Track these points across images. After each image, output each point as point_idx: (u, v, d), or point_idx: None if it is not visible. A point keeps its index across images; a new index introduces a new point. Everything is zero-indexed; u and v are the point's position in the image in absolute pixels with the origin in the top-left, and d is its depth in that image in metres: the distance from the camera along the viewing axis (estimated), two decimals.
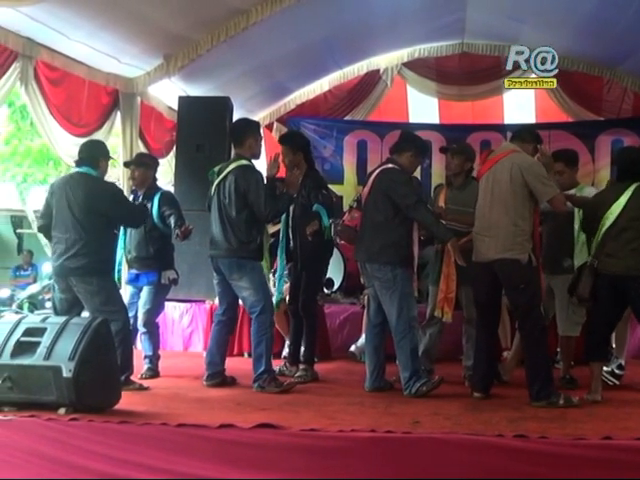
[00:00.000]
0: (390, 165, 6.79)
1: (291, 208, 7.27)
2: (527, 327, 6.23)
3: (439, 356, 7.45)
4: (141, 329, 7.52)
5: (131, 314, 7.23)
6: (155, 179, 7.74)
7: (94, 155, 6.92)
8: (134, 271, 7.53)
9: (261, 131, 7.42)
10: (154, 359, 7.47)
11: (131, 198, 7.61)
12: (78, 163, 6.92)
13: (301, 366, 7.30)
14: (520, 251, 6.11)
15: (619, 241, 6.17)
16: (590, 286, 6.27)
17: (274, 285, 8.58)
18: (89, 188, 6.64)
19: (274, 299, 7.56)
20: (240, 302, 7.14)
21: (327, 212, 7.25)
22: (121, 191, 7.32)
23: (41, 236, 18.24)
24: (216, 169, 7.04)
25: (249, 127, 7.15)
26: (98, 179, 6.79)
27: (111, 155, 7.25)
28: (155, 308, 7.56)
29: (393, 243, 6.56)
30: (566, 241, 6.86)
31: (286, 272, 7.87)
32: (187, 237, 7.22)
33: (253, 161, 7.00)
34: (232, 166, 6.88)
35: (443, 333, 7.35)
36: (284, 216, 7.34)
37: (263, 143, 7.43)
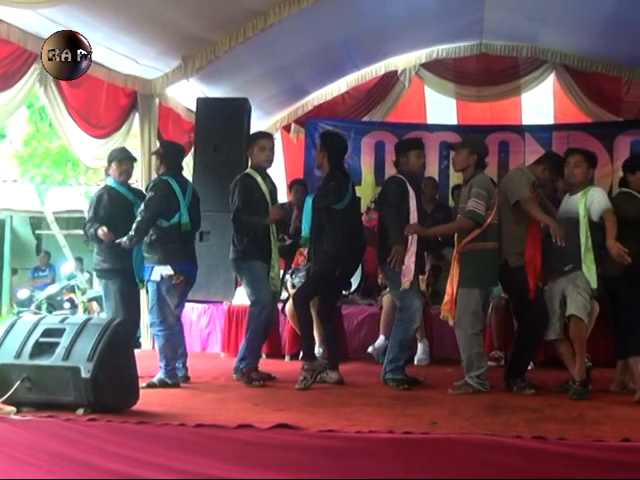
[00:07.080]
0: (392, 175, 7.32)
1: None
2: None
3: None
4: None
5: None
6: None
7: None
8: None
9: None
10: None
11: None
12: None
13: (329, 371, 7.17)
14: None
15: None
16: None
17: (292, 287, 8.57)
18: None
19: None
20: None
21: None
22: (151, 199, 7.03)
23: (60, 237, 18.49)
24: None
25: (249, 139, 7.75)
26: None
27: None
28: None
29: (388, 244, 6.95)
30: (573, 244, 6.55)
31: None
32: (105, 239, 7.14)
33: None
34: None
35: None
36: None
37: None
